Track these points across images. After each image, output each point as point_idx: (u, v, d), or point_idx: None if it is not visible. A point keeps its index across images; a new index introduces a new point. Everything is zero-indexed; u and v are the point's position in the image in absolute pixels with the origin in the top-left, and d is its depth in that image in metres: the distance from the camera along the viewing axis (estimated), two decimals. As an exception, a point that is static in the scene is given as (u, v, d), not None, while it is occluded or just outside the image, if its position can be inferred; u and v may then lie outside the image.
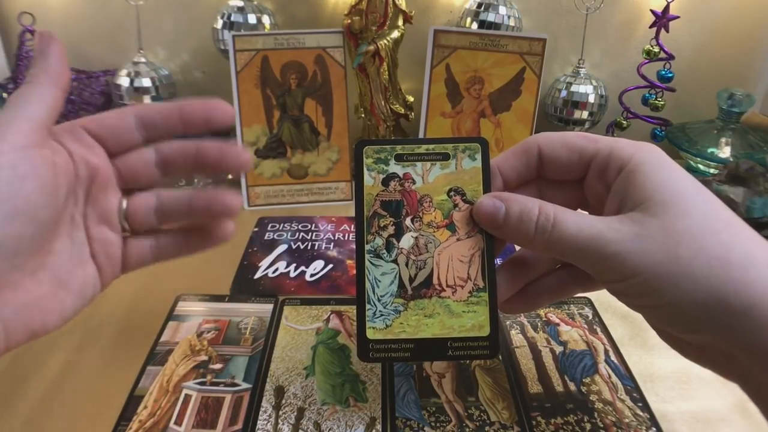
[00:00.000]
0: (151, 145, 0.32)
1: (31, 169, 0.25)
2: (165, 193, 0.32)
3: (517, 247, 0.35)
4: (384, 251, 0.32)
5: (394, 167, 0.33)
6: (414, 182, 0.32)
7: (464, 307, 0.31)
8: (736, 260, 0.24)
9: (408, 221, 0.32)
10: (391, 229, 0.32)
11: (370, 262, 0.32)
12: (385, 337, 0.31)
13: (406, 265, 0.32)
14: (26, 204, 0.25)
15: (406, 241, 0.32)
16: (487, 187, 0.32)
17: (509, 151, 0.32)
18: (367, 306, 0.31)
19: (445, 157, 0.33)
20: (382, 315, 0.31)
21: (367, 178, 0.32)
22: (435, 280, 0.31)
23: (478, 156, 0.32)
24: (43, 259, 0.27)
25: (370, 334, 0.31)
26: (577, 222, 0.27)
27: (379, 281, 0.31)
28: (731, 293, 0.24)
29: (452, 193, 0.32)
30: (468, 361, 0.39)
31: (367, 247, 0.32)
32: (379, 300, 0.31)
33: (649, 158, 0.28)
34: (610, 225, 0.26)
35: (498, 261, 0.32)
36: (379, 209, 0.32)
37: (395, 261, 0.32)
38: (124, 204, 0.31)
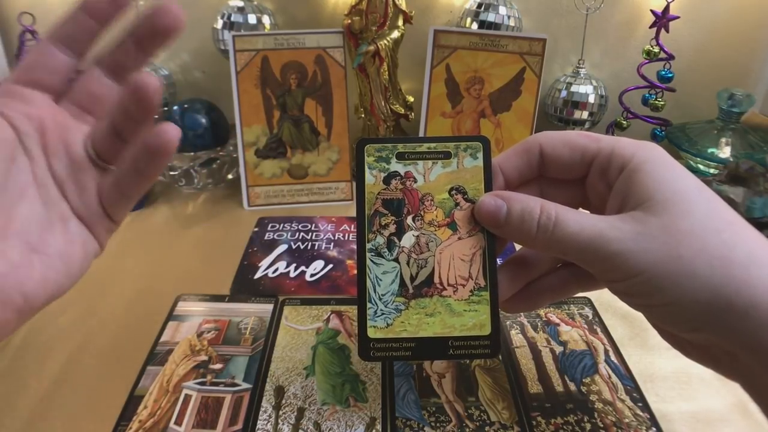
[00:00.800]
0: (92, 63, 0.28)
1: None
2: (104, 55, 0.29)
3: (517, 247, 0.35)
4: (385, 250, 0.32)
5: (396, 166, 0.32)
6: (415, 181, 0.32)
7: (465, 306, 0.31)
8: (738, 259, 0.24)
9: (409, 220, 0.32)
10: (392, 228, 0.32)
11: (372, 261, 0.31)
12: (386, 336, 0.31)
13: (408, 263, 0.32)
14: None
15: (408, 240, 0.32)
16: (488, 186, 0.32)
17: (511, 149, 0.32)
18: (368, 305, 0.31)
19: (447, 155, 0.32)
20: (383, 314, 0.31)
21: (369, 177, 0.32)
22: (436, 279, 0.31)
23: (480, 154, 0.32)
24: (1, 228, 0.25)
25: (371, 333, 0.31)
26: (579, 221, 0.27)
27: (381, 280, 0.31)
28: (733, 292, 0.24)
29: (454, 192, 0.32)
30: (468, 362, 0.39)
31: (368, 245, 0.32)
32: (380, 299, 0.31)
33: (651, 157, 0.28)
34: (611, 224, 0.26)
35: (498, 261, 0.32)
36: (381, 208, 0.32)
37: (396, 260, 0.32)
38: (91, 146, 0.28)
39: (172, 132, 0.26)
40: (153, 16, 0.27)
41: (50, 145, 0.27)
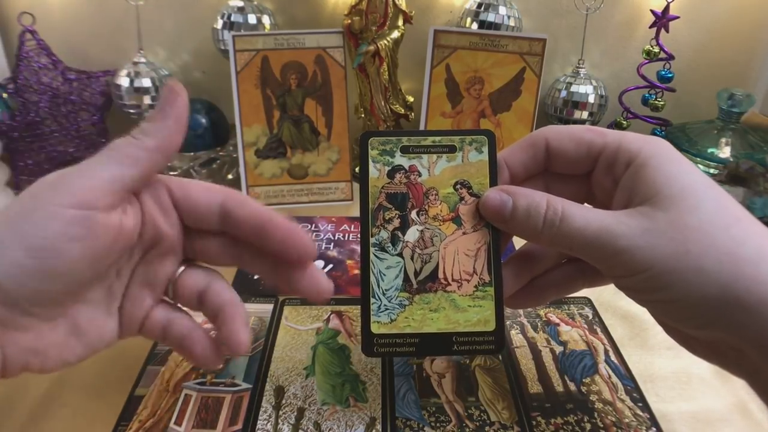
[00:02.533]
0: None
1: (85, 234, 0.23)
2: (215, 284, 0.29)
3: (517, 246, 0.35)
4: (389, 244, 0.31)
5: (400, 159, 0.32)
6: (420, 174, 0.32)
7: (470, 301, 0.31)
8: (747, 255, 0.24)
9: (413, 214, 0.32)
10: (396, 222, 0.32)
11: (375, 256, 0.31)
12: (389, 332, 0.31)
13: (412, 258, 0.31)
14: (65, 266, 0.23)
15: (412, 235, 0.32)
16: (493, 181, 0.31)
17: (516, 144, 0.32)
18: (372, 300, 0.31)
19: (452, 149, 0.32)
20: (386, 309, 0.31)
21: (372, 170, 0.32)
22: (440, 274, 0.31)
23: (485, 149, 0.32)
24: (67, 308, 0.25)
25: (375, 329, 0.31)
26: (586, 216, 0.27)
27: (384, 275, 0.31)
28: (741, 288, 0.24)
29: (458, 186, 0.32)
30: (468, 361, 0.39)
31: (372, 240, 0.31)
32: (383, 294, 0.31)
33: (658, 152, 0.28)
34: (618, 219, 0.26)
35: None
36: (385, 202, 0.32)
37: (400, 254, 0.31)
38: (178, 272, 0.29)
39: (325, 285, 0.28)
40: (292, 251, 0.28)
41: (149, 257, 0.28)
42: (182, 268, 0.29)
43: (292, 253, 0.27)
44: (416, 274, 0.31)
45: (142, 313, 0.28)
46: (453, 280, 0.31)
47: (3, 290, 0.22)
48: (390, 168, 0.32)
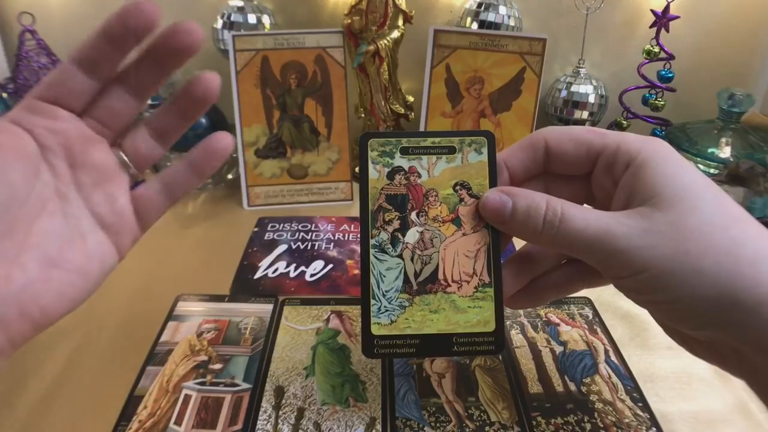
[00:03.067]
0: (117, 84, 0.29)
1: None
2: (152, 119, 0.30)
3: (517, 247, 0.35)
4: (389, 246, 0.31)
5: (400, 160, 0.32)
6: (419, 176, 0.32)
7: (470, 302, 0.31)
8: (746, 256, 0.24)
9: (413, 215, 0.32)
10: (396, 224, 0.32)
11: (375, 257, 0.31)
12: (390, 333, 0.31)
13: (412, 260, 0.31)
14: None
15: (412, 236, 0.32)
16: (493, 182, 0.31)
17: (516, 145, 0.32)
18: (372, 301, 0.31)
19: (451, 150, 0.32)
20: (387, 310, 0.31)
21: (372, 172, 0.32)
22: (440, 275, 0.31)
23: (485, 150, 0.32)
24: (20, 242, 0.25)
25: (375, 330, 0.31)
26: (585, 217, 0.27)
27: (384, 276, 0.31)
28: (740, 289, 0.24)
29: (458, 187, 0.32)
30: (468, 362, 0.39)
31: (371, 241, 0.31)
32: (384, 295, 0.31)
33: (657, 153, 0.28)
34: (618, 220, 0.26)
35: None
36: (384, 203, 0.32)
37: (400, 256, 0.31)
38: (121, 152, 0.29)
39: (214, 81, 0.29)
40: (172, 35, 0.28)
41: (76, 158, 0.27)
42: (120, 149, 0.29)
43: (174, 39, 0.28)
44: (416, 275, 0.31)
45: (125, 208, 0.29)
46: (453, 281, 0.31)
47: None
48: (389, 169, 0.32)
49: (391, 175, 0.32)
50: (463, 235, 0.31)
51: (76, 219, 0.27)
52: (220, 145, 0.30)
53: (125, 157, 0.29)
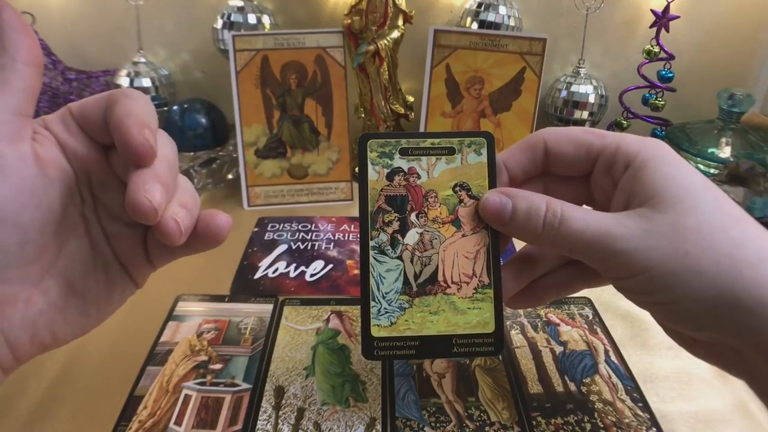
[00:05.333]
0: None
1: (1, 171, 0.22)
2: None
3: (517, 248, 0.35)
4: (388, 247, 0.31)
5: (399, 161, 0.32)
6: (419, 177, 0.32)
7: (469, 303, 0.31)
8: (746, 257, 0.24)
9: (413, 217, 0.32)
10: (395, 225, 0.32)
11: (375, 259, 0.31)
12: (389, 335, 0.30)
13: (411, 261, 0.31)
14: (2, 212, 0.22)
15: (411, 237, 0.31)
16: (492, 183, 0.31)
17: (515, 146, 0.32)
18: (372, 303, 0.31)
19: (451, 151, 0.32)
20: (386, 312, 0.31)
21: (371, 173, 0.32)
22: (440, 277, 0.31)
23: (484, 150, 0.32)
24: (48, 264, 0.25)
25: (375, 332, 0.31)
26: (585, 218, 0.27)
27: (384, 278, 0.31)
28: (740, 290, 0.24)
29: (458, 189, 0.32)
30: (468, 362, 0.39)
31: (371, 243, 0.31)
32: (383, 297, 0.31)
33: (657, 154, 0.28)
34: (617, 221, 0.26)
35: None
36: (384, 204, 0.32)
37: (400, 257, 0.31)
38: None
39: (224, 222, 0.27)
40: (204, 232, 0.27)
41: (94, 188, 0.27)
42: None
43: (125, 154, 0.24)
44: (416, 276, 0.31)
45: (136, 245, 0.27)
46: (452, 282, 0.31)
47: None
48: (389, 170, 0.32)
49: (390, 176, 0.32)
50: (463, 236, 0.31)
51: (101, 247, 0.27)
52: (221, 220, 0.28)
53: None
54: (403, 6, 0.64)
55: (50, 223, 0.25)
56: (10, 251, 0.23)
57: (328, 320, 0.44)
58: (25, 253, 0.24)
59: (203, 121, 0.65)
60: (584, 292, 0.38)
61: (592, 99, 0.69)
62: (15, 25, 0.24)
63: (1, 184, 0.22)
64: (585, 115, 0.70)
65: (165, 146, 0.26)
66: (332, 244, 0.55)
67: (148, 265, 0.29)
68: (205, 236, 0.27)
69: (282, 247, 0.54)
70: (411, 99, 0.70)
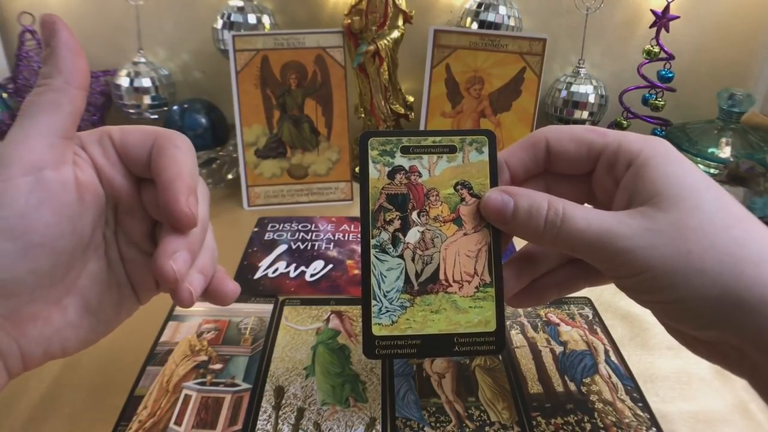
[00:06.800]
0: None
1: (47, 196, 0.22)
2: None
3: (518, 248, 0.35)
4: (390, 246, 0.31)
5: (400, 160, 0.32)
6: (420, 175, 0.32)
7: (471, 302, 0.31)
8: (748, 256, 0.24)
9: (414, 215, 0.32)
10: (397, 224, 0.31)
11: (376, 257, 0.31)
12: (391, 334, 0.30)
13: (413, 260, 0.31)
14: (42, 237, 0.22)
15: (413, 236, 0.31)
16: (494, 181, 0.31)
17: (516, 144, 0.32)
18: (373, 302, 0.31)
19: (452, 149, 0.32)
20: (388, 311, 0.31)
21: (373, 171, 0.32)
22: (441, 276, 0.31)
23: (485, 149, 0.32)
24: (70, 284, 0.26)
25: (376, 331, 0.30)
26: (587, 217, 0.27)
27: (385, 276, 0.31)
28: (743, 289, 0.24)
29: (459, 187, 0.32)
30: (468, 362, 0.39)
31: (372, 241, 0.31)
32: (385, 296, 0.31)
33: (659, 152, 0.28)
34: (620, 220, 0.26)
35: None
36: (385, 203, 0.31)
37: (401, 256, 0.31)
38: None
39: (231, 291, 0.29)
40: (215, 294, 0.29)
41: (120, 215, 0.28)
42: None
43: (167, 216, 0.25)
44: (417, 275, 0.31)
45: (146, 272, 0.29)
46: (454, 281, 0.31)
47: None
48: (390, 168, 0.32)
49: (391, 175, 0.32)
50: (464, 234, 0.31)
51: (117, 267, 0.28)
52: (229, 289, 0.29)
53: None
54: (403, 6, 0.64)
55: (80, 247, 0.25)
56: (41, 273, 0.24)
57: (328, 320, 0.44)
58: (53, 275, 0.24)
59: (203, 121, 0.65)
60: (584, 292, 0.38)
61: (592, 99, 0.69)
62: (71, 47, 0.24)
63: (45, 210, 0.23)
64: (585, 115, 0.70)
65: (202, 201, 0.27)
66: (332, 244, 0.55)
67: (156, 290, 0.30)
68: (211, 297, 0.29)
69: (282, 247, 0.54)
70: (411, 99, 0.70)
